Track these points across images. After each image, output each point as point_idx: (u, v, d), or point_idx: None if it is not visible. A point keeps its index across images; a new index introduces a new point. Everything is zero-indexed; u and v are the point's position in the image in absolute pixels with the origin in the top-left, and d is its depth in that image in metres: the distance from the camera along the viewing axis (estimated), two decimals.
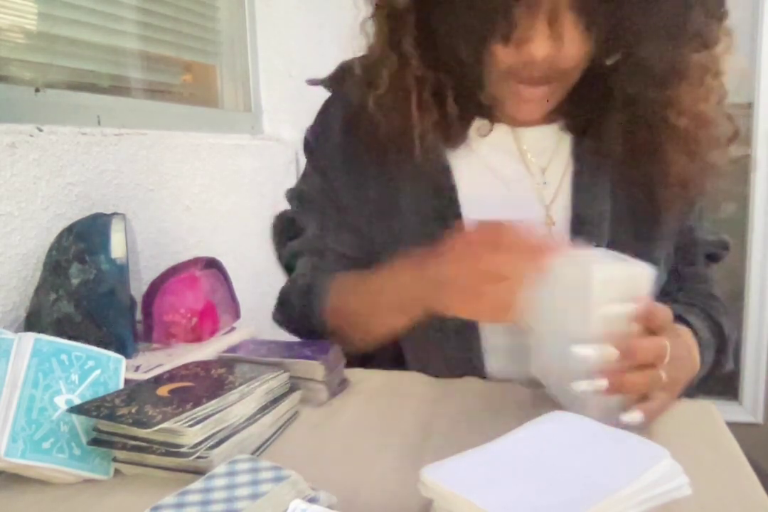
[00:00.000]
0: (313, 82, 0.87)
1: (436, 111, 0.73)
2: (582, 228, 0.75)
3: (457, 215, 0.76)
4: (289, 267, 0.91)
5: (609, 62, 0.69)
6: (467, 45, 0.67)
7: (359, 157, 0.81)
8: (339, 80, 0.85)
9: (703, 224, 0.84)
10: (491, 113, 0.78)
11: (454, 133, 0.76)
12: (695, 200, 0.79)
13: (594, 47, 0.66)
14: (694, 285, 0.84)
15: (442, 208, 0.77)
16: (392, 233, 0.79)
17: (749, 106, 1.97)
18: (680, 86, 0.68)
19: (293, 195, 0.90)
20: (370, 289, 0.76)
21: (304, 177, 0.89)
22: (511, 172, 0.79)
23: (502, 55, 0.66)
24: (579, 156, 0.78)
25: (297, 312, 0.86)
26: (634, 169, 0.74)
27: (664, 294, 0.80)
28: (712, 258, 0.87)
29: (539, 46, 0.63)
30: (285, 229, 0.91)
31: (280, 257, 0.93)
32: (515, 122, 0.78)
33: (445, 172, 0.77)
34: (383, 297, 0.74)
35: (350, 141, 0.81)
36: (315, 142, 0.86)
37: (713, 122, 0.71)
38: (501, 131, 0.79)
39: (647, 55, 0.65)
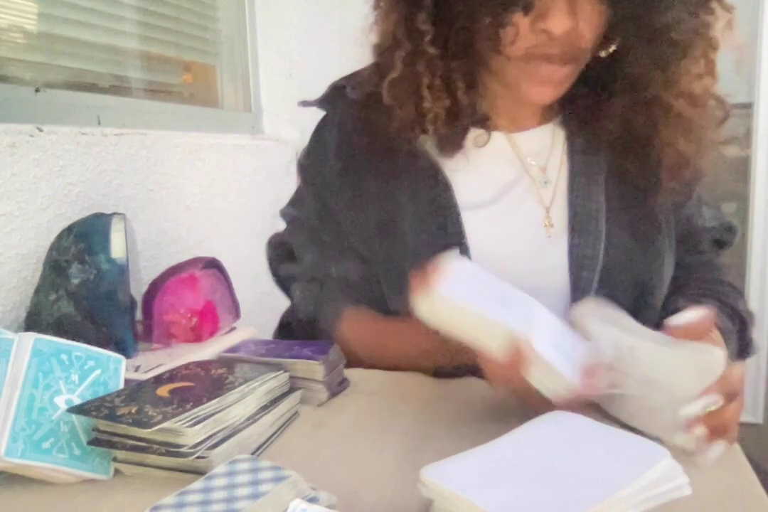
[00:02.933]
0: (305, 104, 0.86)
1: (447, 99, 0.72)
2: (579, 225, 0.76)
3: (460, 232, 0.76)
4: (284, 288, 0.91)
5: (608, 51, 0.70)
6: (488, 18, 0.66)
7: (357, 180, 0.80)
8: (332, 100, 0.84)
9: (702, 211, 0.84)
10: (487, 124, 0.77)
11: (452, 139, 0.76)
12: (690, 185, 0.79)
13: (606, 26, 0.67)
14: (704, 274, 0.83)
15: (445, 225, 0.76)
16: (395, 253, 0.78)
17: (749, 106, 1.97)
18: (685, 61, 0.68)
19: (289, 220, 0.90)
20: (378, 339, 0.78)
21: (300, 201, 0.89)
22: (511, 178, 0.78)
23: (520, 34, 0.66)
24: (573, 153, 0.78)
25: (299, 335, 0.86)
26: (630, 155, 0.75)
27: (675, 285, 0.80)
28: (720, 244, 0.86)
29: (558, 22, 0.63)
30: (281, 251, 0.91)
31: (276, 276, 0.93)
32: (512, 127, 0.78)
33: (445, 188, 0.77)
34: (390, 350, 0.76)
35: (347, 163, 0.80)
36: (310, 166, 0.86)
37: (707, 103, 0.72)
38: (497, 139, 0.78)
39: (662, 21, 0.65)
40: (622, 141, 0.74)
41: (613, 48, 0.69)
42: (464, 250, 0.76)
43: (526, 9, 0.64)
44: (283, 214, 0.91)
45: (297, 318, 0.87)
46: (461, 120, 0.74)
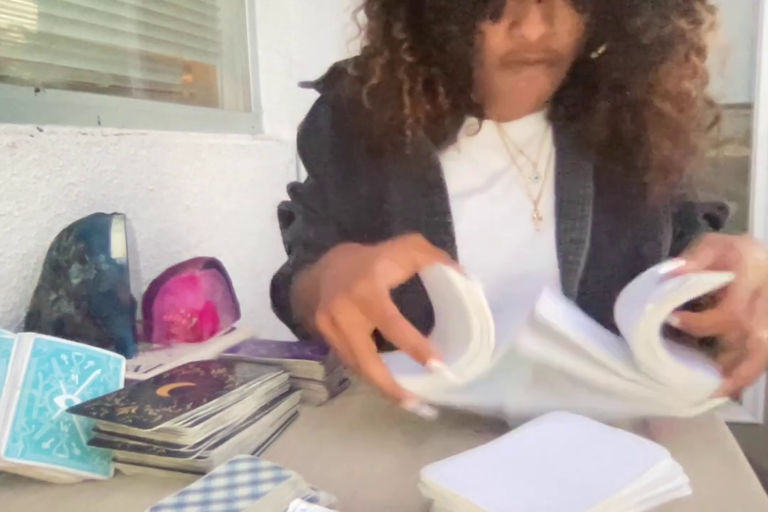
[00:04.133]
0: (305, 85, 0.87)
1: (428, 104, 0.73)
2: (565, 211, 0.76)
3: (446, 211, 0.77)
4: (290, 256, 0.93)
5: (598, 52, 0.69)
6: (458, 25, 0.66)
7: (348, 156, 0.81)
8: (330, 81, 0.85)
9: (695, 189, 0.83)
10: (480, 111, 0.78)
11: (444, 133, 0.77)
12: (679, 181, 0.78)
13: (585, 29, 0.67)
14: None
15: (432, 206, 0.77)
16: (383, 230, 0.79)
17: (749, 106, 1.97)
18: (666, 64, 0.68)
19: (290, 188, 0.92)
20: (312, 281, 0.74)
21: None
22: (500, 167, 0.79)
23: (496, 41, 0.66)
24: (560, 142, 0.78)
25: (282, 301, 0.87)
26: (617, 154, 0.75)
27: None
28: (712, 221, 0.86)
29: (532, 28, 0.63)
30: (285, 219, 0.92)
31: (284, 245, 0.94)
32: (502, 117, 0.79)
33: (435, 171, 0.78)
34: (314, 292, 0.70)
35: (339, 140, 0.82)
36: (304, 140, 0.88)
37: (695, 105, 0.71)
38: (488, 128, 0.79)
39: (634, 26, 0.65)
40: (609, 135, 0.74)
41: (602, 49, 0.69)
42: (450, 231, 0.76)
43: (495, 17, 0.65)
44: (289, 183, 0.93)
45: (282, 276, 0.88)
46: (442, 124, 0.75)
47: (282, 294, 0.87)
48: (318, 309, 0.57)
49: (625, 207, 0.76)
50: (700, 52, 0.69)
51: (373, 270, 0.56)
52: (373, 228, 0.80)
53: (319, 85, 0.87)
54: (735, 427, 0.61)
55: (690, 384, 0.56)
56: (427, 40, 0.70)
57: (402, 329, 0.54)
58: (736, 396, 0.56)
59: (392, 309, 0.55)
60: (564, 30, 0.66)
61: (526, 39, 0.64)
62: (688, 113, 0.71)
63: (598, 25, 0.67)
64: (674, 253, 0.80)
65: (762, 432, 2.05)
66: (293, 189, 0.90)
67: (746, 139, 2.00)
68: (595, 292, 0.74)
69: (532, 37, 0.64)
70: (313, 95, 0.88)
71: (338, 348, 0.56)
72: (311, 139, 0.86)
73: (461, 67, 0.71)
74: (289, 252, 0.92)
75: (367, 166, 0.80)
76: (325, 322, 0.56)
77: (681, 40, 0.67)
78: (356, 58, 0.78)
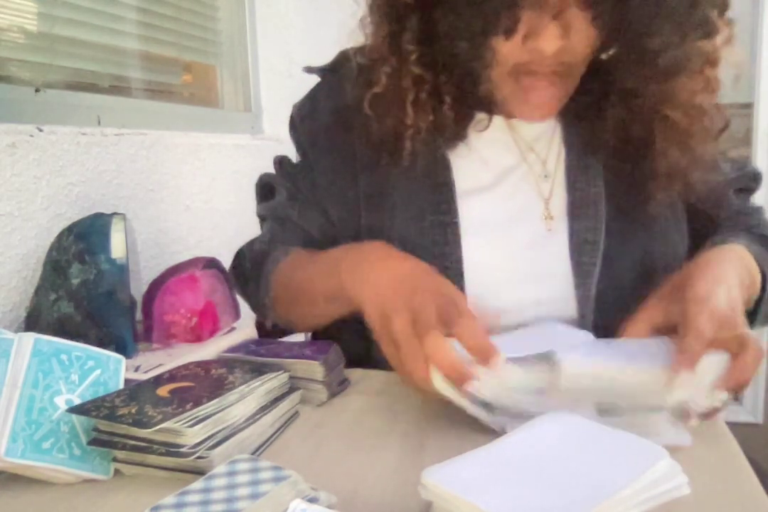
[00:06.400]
0: (310, 70, 0.86)
1: (432, 113, 0.72)
2: (578, 211, 0.75)
3: (453, 210, 0.76)
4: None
5: (609, 54, 0.69)
6: (469, 40, 0.66)
7: (346, 147, 0.79)
8: (336, 68, 0.83)
9: (719, 168, 0.82)
10: (489, 106, 0.77)
11: (453, 132, 0.76)
12: (683, 189, 0.77)
13: (600, 41, 0.66)
14: (740, 219, 0.83)
15: (437, 204, 0.76)
16: (380, 225, 0.78)
17: (749, 106, 1.97)
18: (680, 77, 0.68)
19: (276, 159, 0.90)
20: (310, 270, 0.75)
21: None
22: (510, 164, 0.78)
23: (510, 52, 0.66)
24: (570, 141, 0.77)
25: (247, 276, 0.85)
26: (626, 157, 0.74)
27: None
28: (745, 191, 0.85)
29: (549, 41, 0.63)
30: (264, 190, 0.91)
31: (258, 218, 0.93)
32: (511, 114, 0.78)
33: (444, 169, 0.77)
34: (318, 281, 0.72)
35: (338, 128, 0.80)
36: (299, 121, 0.86)
37: (707, 114, 0.71)
38: (497, 124, 0.78)
39: (652, 46, 0.64)
40: (618, 140, 0.74)
41: (613, 51, 0.69)
42: (455, 231, 0.75)
43: (508, 34, 0.64)
44: (275, 156, 0.91)
45: (251, 251, 0.87)
46: (451, 121, 0.74)
47: (248, 269, 0.86)
48: (394, 309, 0.58)
49: (634, 207, 0.76)
50: (714, 64, 0.69)
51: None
52: (371, 223, 0.79)
53: (325, 71, 0.85)
54: (735, 427, 0.61)
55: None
56: (436, 50, 0.69)
57: (475, 327, 0.56)
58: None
59: (469, 309, 0.57)
60: (579, 43, 0.65)
61: (542, 52, 0.64)
62: (699, 123, 0.71)
63: (615, 40, 0.66)
64: (703, 239, 0.79)
65: (762, 432, 2.05)
66: (280, 162, 0.88)
67: (746, 138, 2.00)
68: (610, 295, 0.74)
69: (548, 51, 0.63)
70: None
71: (405, 345, 0.56)
72: (308, 120, 0.84)
73: (470, 78, 0.70)
74: (261, 225, 0.90)
75: (368, 160, 0.78)
76: (403, 321, 0.57)
77: (697, 55, 0.67)
78: (361, 48, 0.77)
